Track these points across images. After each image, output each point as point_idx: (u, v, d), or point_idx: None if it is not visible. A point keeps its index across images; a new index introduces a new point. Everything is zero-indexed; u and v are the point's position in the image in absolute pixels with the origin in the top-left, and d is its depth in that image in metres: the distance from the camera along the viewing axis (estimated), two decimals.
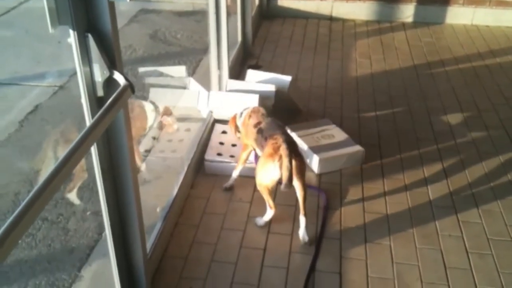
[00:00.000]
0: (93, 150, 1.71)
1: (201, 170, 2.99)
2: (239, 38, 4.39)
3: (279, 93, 3.37)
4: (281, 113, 3.10)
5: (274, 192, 2.58)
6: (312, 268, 2.33)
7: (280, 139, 2.38)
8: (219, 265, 2.35)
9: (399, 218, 2.65)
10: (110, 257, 1.97)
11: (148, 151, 3.09)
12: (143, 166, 2.92)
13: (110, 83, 1.60)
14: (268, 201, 2.51)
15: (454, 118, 3.60)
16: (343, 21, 5.37)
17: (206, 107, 3.36)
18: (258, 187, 2.50)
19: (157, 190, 2.86)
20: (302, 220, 2.46)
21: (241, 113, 2.86)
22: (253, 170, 2.65)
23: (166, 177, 2.94)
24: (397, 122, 3.55)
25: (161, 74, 4.00)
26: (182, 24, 5.51)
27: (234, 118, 2.91)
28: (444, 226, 2.60)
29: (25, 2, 5.60)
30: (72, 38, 1.49)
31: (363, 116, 3.61)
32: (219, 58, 3.52)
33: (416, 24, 5.30)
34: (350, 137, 3.15)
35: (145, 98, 3.22)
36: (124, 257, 2.02)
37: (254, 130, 2.63)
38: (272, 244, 2.47)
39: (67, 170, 1.27)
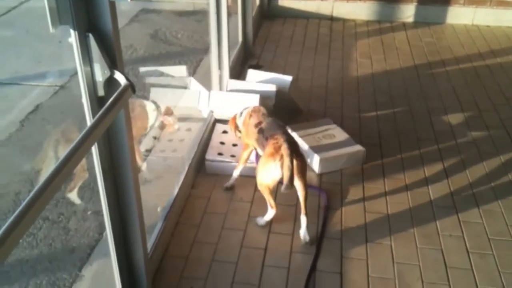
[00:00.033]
0: (94, 149, 1.71)
1: (202, 170, 2.99)
2: (240, 38, 4.39)
3: (279, 93, 3.37)
4: (282, 113, 3.10)
5: (275, 191, 2.58)
6: (313, 268, 2.33)
7: (281, 139, 2.38)
8: (220, 265, 2.35)
9: (400, 218, 2.65)
10: (111, 257, 1.97)
11: (149, 151, 3.09)
12: (144, 166, 2.92)
13: (111, 82, 1.60)
14: (269, 200, 2.51)
15: (455, 118, 3.59)
16: (344, 21, 5.37)
17: (206, 107, 3.36)
18: (259, 187, 2.50)
19: (158, 189, 2.86)
20: (303, 219, 2.46)
21: (241, 113, 2.86)
22: (253, 169, 2.65)
23: (166, 177, 2.94)
24: (398, 122, 3.55)
25: (162, 74, 4.01)
26: (183, 24, 5.51)
27: (234, 118, 2.91)
28: (445, 226, 2.60)
29: (25, 2, 5.60)
30: (73, 37, 1.49)
31: (364, 116, 3.61)
32: (220, 58, 3.52)
33: (416, 24, 5.30)
34: (351, 137, 3.15)
35: (146, 97, 3.22)
36: (125, 257, 2.02)
37: (255, 130, 2.63)
38: (273, 244, 2.47)
39: (68, 169, 1.27)
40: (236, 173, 2.82)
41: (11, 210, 2.69)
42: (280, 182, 2.35)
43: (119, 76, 1.59)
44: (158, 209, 2.58)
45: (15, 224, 1.06)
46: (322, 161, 2.94)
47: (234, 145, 3.07)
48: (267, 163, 2.39)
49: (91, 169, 2.18)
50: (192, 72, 4.37)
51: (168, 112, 3.11)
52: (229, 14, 3.46)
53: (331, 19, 5.40)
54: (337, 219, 2.63)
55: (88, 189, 2.82)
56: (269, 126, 2.58)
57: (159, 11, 5.90)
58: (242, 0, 4.25)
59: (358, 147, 3.06)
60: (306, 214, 2.45)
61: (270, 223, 2.58)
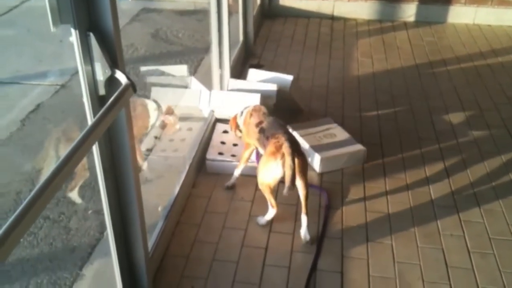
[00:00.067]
0: (95, 149, 1.71)
1: (202, 169, 2.99)
2: (241, 37, 4.38)
3: (280, 92, 3.36)
4: (282, 112, 3.09)
5: (276, 191, 2.58)
6: (314, 267, 2.33)
7: (282, 138, 2.38)
8: (221, 264, 2.35)
9: (400, 217, 2.65)
10: (111, 256, 1.97)
11: (149, 150, 3.09)
12: (144, 165, 2.92)
13: (111, 82, 1.60)
14: (270, 200, 2.51)
15: (456, 118, 3.59)
16: (345, 20, 5.37)
17: (207, 106, 3.36)
18: (260, 186, 2.50)
19: (158, 189, 2.86)
20: (303, 219, 2.46)
21: (242, 112, 2.86)
22: (254, 169, 2.65)
23: (167, 176, 2.95)
24: (399, 121, 3.55)
25: (162, 73, 4.01)
26: (183, 23, 5.51)
27: (235, 118, 2.91)
28: (445, 225, 2.60)
29: (26, 1, 5.60)
30: (74, 37, 1.49)
31: (365, 115, 3.61)
32: (220, 57, 3.52)
33: (418, 23, 5.30)
34: (352, 136, 3.15)
35: (147, 97, 3.22)
36: (126, 256, 2.02)
37: (256, 130, 2.63)
38: (273, 243, 2.47)
39: (68, 169, 1.27)
40: (237, 173, 2.82)
41: (12, 209, 2.69)
42: (281, 181, 2.35)
43: (120, 75, 1.59)
44: (159, 208, 2.58)
45: (16, 223, 1.07)
46: (323, 161, 2.94)
47: (235, 144, 3.07)
48: (268, 162, 2.39)
49: (92, 168, 2.18)
50: (193, 72, 4.37)
51: (169, 112, 3.11)
52: (230, 13, 3.46)
53: (332, 18, 5.40)
54: (338, 218, 2.63)
55: (89, 188, 2.82)
56: (270, 126, 2.58)
57: (160, 10, 5.90)
58: None
59: (359, 147, 3.06)
60: (307, 214, 2.45)
61: (270, 222, 2.58)
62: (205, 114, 3.37)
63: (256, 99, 3.19)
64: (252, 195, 2.77)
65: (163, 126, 3.12)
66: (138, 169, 1.91)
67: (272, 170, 2.38)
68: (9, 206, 2.73)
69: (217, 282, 2.26)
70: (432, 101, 3.81)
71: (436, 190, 2.85)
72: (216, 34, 3.41)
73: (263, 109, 2.76)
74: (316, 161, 2.96)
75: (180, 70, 4.20)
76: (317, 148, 2.99)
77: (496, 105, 3.77)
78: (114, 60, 1.58)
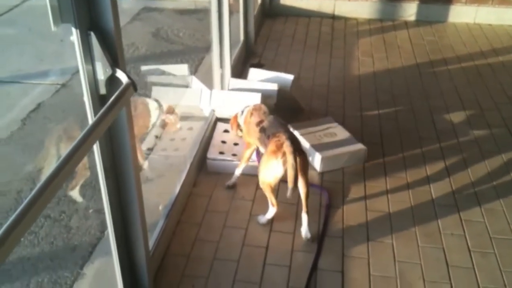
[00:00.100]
0: (96, 148, 1.71)
1: (203, 169, 2.99)
2: (242, 37, 4.38)
3: (281, 91, 3.36)
4: (283, 111, 3.09)
5: (277, 190, 2.58)
6: (314, 267, 2.33)
7: (283, 137, 2.38)
8: (221, 263, 2.35)
9: (401, 217, 2.65)
10: (112, 255, 1.97)
11: (150, 150, 3.10)
12: (145, 164, 2.92)
13: (112, 81, 1.60)
14: (271, 199, 2.51)
15: (457, 117, 3.59)
16: (346, 19, 5.37)
17: (208, 105, 3.36)
18: (261, 185, 2.50)
19: (159, 188, 2.86)
20: (304, 217, 2.46)
21: (242, 111, 2.86)
22: (255, 168, 2.65)
23: (168, 175, 2.95)
24: (400, 120, 3.55)
25: (163, 73, 4.00)
26: (184, 23, 5.51)
27: (236, 117, 2.91)
28: (446, 224, 2.60)
29: (27, 0, 5.61)
30: (74, 36, 1.50)
31: (365, 114, 3.61)
32: (221, 57, 3.51)
33: (418, 22, 5.29)
34: (353, 135, 3.15)
35: (148, 96, 3.22)
36: (127, 255, 2.02)
37: (257, 129, 2.63)
38: (274, 242, 2.47)
39: (69, 168, 1.27)
40: (238, 172, 2.82)
41: (12, 208, 2.69)
42: (282, 180, 2.35)
43: (120, 75, 1.59)
44: (160, 208, 2.58)
45: (17, 222, 1.07)
46: (323, 160, 2.94)
47: (236, 144, 3.07)
48: (269, 160, 2.39)
49: (92, 167, 2.18)
50: (194, 71, 4.37)
51: (170, 111, 3.11)
52: (230, 13, 3.45)
53: (333, 17, 5.40)
54: (339, 217, 2.63)
55: (90, 187, 2.82)
56: (270, 125, 2.58)
57: (161, 10, 5.90)
58: None
59: (359, 146, 3.06)
60: (307, 212, 2.45)
61: (271, 221, 2.58)
62: (206, 113, 3.37)
63: (257, 99, 3.19)
64: (252, 194, 2.78)
65: (164, 125, 3.12)
66: (139, 168, 1.91)
67: (273, 169, 2.38)
68: (10, 205, 2.73)
69: (217, 281, 2.26)
70: (433, 100, 3.81)
71: (436, 189, 2.85)
72: (217, 33, 3.40)
73: (264, 108, 2.76)
74: (316, 160, 2.96)
75: (181, 69, 4.19)
76: (317, 147, 2.99)
77: (497, 104, 3.77)
78: (114, 59, 1.58)
